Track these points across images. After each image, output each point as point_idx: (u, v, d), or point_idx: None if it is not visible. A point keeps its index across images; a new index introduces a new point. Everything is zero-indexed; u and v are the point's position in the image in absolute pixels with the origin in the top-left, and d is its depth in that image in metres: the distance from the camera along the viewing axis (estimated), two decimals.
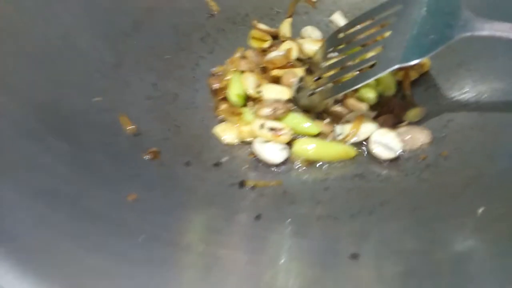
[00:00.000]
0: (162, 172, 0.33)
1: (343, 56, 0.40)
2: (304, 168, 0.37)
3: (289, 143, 0.39)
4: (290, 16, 0.49)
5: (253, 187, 0.35)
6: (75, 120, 0.33)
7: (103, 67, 0.39)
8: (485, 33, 0.32)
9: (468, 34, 0.32)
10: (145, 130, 0.36)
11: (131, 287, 0.23)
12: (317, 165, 0.38)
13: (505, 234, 0.25)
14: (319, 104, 0.40)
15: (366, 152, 0.38)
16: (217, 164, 0.37)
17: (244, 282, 0.24)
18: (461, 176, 0.32)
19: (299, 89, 0.41)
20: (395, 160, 0.37)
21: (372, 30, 0.39)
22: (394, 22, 0.37)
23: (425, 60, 0.43)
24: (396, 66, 0.34)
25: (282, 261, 0.26)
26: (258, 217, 0.31)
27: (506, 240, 0.25)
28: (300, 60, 0.45)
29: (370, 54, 0.38)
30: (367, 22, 0.41)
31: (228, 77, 0.43)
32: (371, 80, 0.35)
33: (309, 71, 0.43)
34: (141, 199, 0.29)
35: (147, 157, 0.34)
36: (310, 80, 0.41)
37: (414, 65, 0.42)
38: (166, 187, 0.32)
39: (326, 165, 0.38)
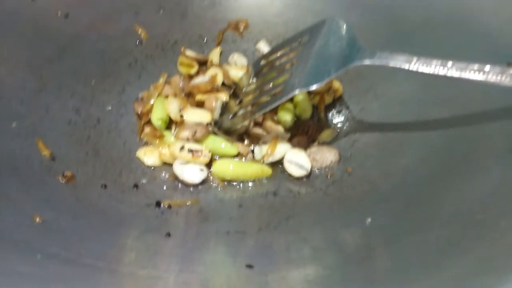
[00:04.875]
0: (75, 195, 0.34)
1: (260, 82, 0.43)
2: (222, 187, 0.39)
3: (209, 164, 0.40)
4: (218, 44, 0.52)
5: (169, 207, 0.36)
6: None
7: (24, 93, 0.40)
8: (370, 61, 0.36)
9: (357, 63, 0.36)
10: (61, 154, 0.37)
11: None
12: (235, 184, 0.40)
13: (382, 241, 0.28)
14: (240, 126, 0.43)
15: (280, 171, 0.41)
16: (135, 186, 0.38)
17: None
18: (358, 191, 0.35)
19: (222, 113, 0.43)
20: (306, 177, 0.40)
21: (285, 58, 0.43)
22: (301, 51, 0.40)
23: (338, 85, 0.47)
24: (296, 92, 0.37)
25: (184, 274, 0.27)
26: (168, 234, 0.32)
27: (382, 246, 0.28)
28: (226, 86, 0.48)
29: (282, 79, 0.41)
30: (284, 50, 0.44)
31: (152, 101, 0.44)
32: (276, 104, 0.38)
33: (234, 96, 0.45)
34: (47, 221, 0.30)
35: (61, 180, 0.34)
36: (233, 104, 0.44)
37: (328, 90, 0.47)
38: (77, 210, 0.32)
39: (243, 184, 0.40)
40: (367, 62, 0.36)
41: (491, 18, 0.43)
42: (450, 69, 0.32)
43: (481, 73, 0.32)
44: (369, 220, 0.31)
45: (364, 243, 0.29)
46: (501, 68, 0.32)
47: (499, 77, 0.31)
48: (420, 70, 0.33)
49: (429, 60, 0.33)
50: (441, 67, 0.32)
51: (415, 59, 0.34)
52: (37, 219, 0.30)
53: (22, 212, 0.30)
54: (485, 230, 0.26)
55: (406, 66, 0.34)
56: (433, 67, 0.33)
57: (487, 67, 0.32)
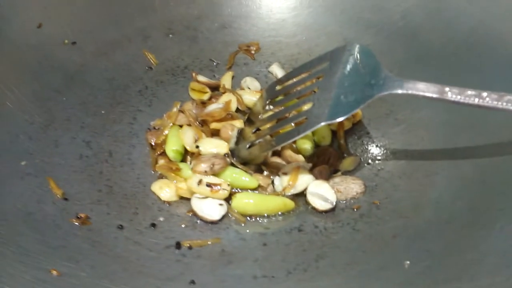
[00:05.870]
0: (91, 240, 0.31)
1: (279, 109, 0.42)
2: (243, 223, 0.37)
3: (228, 198, 0.39)
4: (229, 67, 0.50)
5: (190, 247, 0.34)
6: None
7: (31, 128, 0.38)
8: (401, 91, 0.34)
9: (386, 93, 0.35)
10: (74, 194, 0.35)
11: None
12: (257, 219, 0.38)
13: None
14: (258, 156, 0.41)
15: (304, 204, 0.39)
16: (153, 225, 0.36)
17: None
18: (390, 226, 0.33)
19: (238, 141, 0.42)
20: (331, 211, 0.38)
21: (304, 85, 0.41)
22: (322, 78, 0.39)
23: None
24: (322, 124, 0.35)
25: None
26: (192, 282, 0.30)
27: None
28: (240, 111, 0.46)
29: (303, 108, 0.39)
30: (302, 76, 0.42)
31: (166, 132, 0.42)
32: (300, 137, 0.37)
33: (249, 122, 0.43)
34: (65, 274, 0.27)
35: (76, 223, 0.32)
36: (249, 132, 0.42)
37: None
38: (94, 256, 0.30)
39: (265, 219, 0.38)
40: (396, 91, 0.34)
41: None
42: (484, 100, 0.31)
43: None
44: (407, 263, 0.29)
45: None
46: None
47: None
48: (453, 99, 0.32)
49: (462, 90, 0.32)
50: (475, 98, 0.31)
51: (447, 89, 0.32)
52: (55, 273, 0.27)
53: (39, 265, 0.27)
54: None
55: (436, 96, 0.33)
56: (467, 98, 0.31)
57: None
